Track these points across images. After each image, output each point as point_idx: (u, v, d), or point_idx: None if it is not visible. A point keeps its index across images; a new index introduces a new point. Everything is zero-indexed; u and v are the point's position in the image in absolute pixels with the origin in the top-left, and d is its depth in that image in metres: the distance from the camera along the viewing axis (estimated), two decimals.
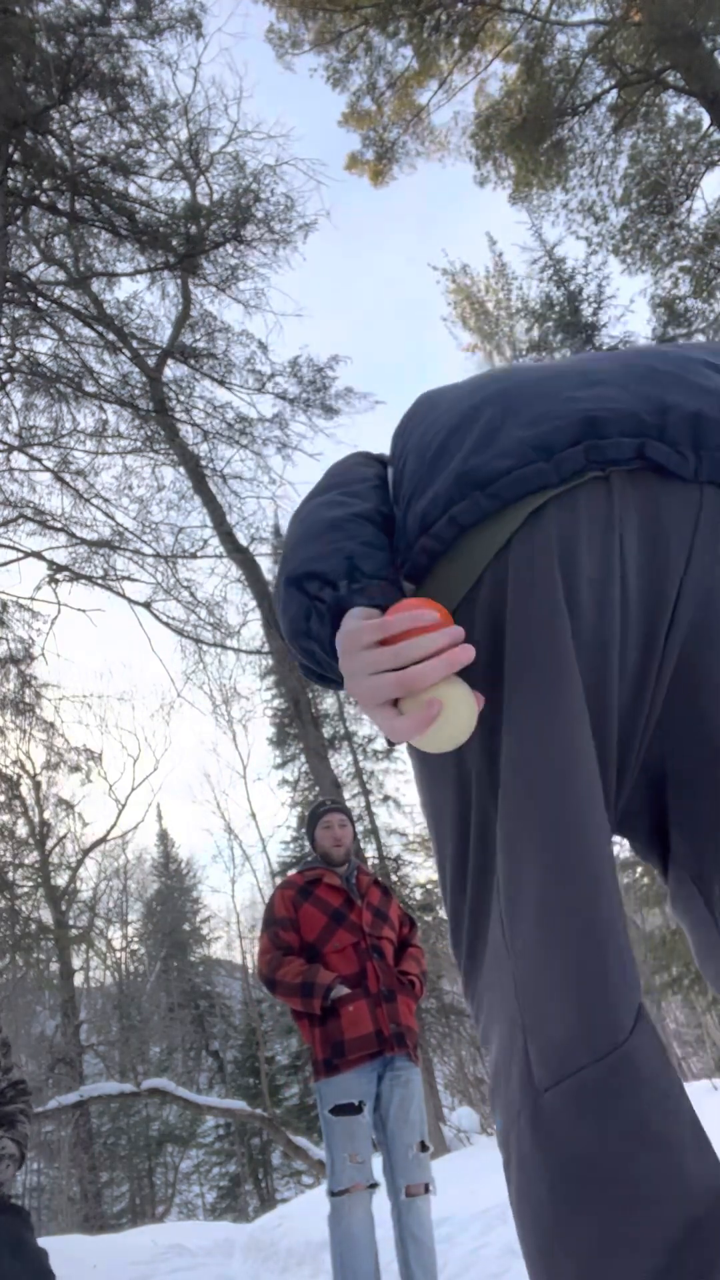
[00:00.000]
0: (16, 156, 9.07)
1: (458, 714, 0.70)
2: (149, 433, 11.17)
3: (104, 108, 9.71)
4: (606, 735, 0.76)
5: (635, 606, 0.77)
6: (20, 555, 10.25)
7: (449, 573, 0.82)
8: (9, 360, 9.85)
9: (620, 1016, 0.64)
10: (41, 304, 9.90)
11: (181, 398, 11.28)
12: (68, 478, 10.63)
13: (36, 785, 17.91)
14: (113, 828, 21.03)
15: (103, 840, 20.72)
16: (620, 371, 0.86)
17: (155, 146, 10.14)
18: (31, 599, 10.72)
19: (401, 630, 0.71)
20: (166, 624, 11.55)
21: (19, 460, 10.39)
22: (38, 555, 10.37)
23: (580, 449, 0.79)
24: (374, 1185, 2.75)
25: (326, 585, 0.81)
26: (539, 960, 0.67)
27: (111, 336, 10.71)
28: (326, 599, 0.80)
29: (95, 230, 10.17)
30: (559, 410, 0.81)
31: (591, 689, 0.74)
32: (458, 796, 0.79)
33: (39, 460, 10.47)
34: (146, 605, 11.21)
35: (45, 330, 10.23)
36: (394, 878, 18.01)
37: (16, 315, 9.79)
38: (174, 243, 10.37)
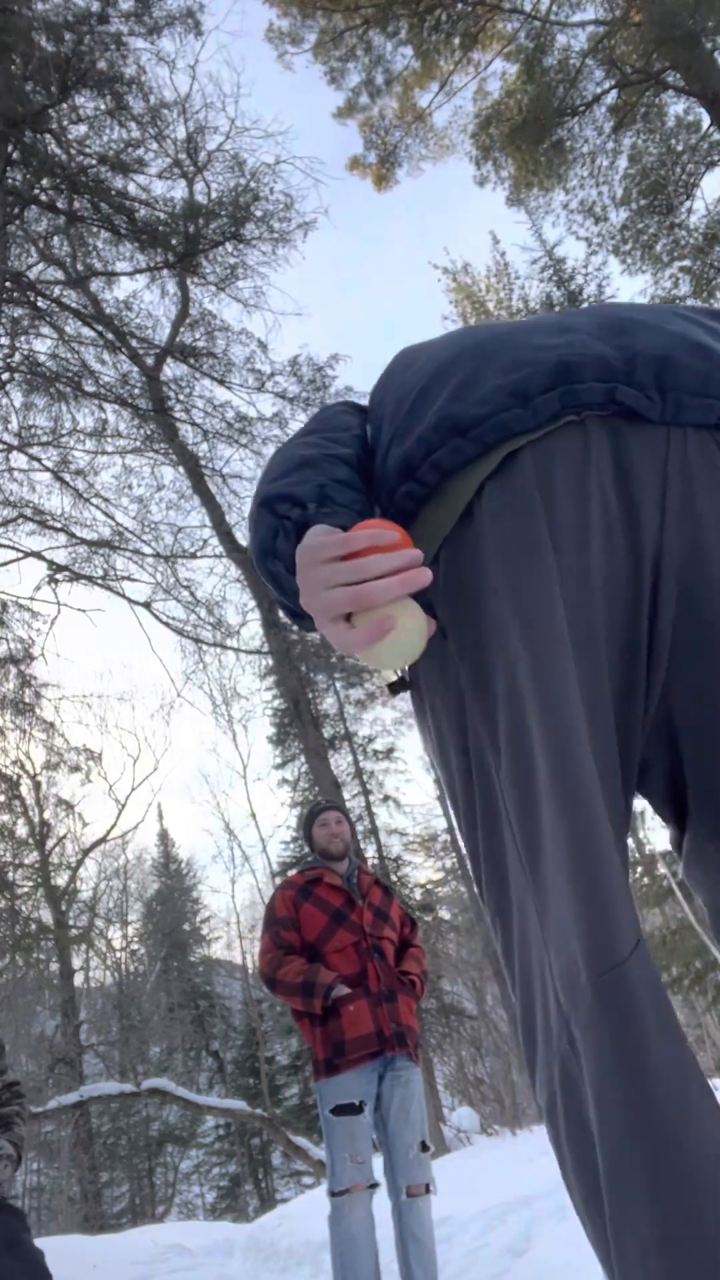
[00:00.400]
0: (15, 155, 9.07)
1: (408, 632, 0.71)
2: (148, 432, 11.16)
3: (103, 106, 9.70)
4: (597, 674, 0.75)
5: (618, 548, 0.78)
6: (20, 555, 10.26)
7: (434, 516, 0.83)
8: (8, 360, 9.85)
9: (616, 941, 0.65)
10: (41, 303, 9.89)
11: (181, 397, 11.28)
12: (67, 477, 10.63)
13: (36, 785, 17.91)
14: (113, 828, 21.03)
15: (103, 840, 20.71)
16: (591, 320, 0.87)
17: (154, 145, 10.13)
18: (31, 599, 10.73)
19: (360, 548, 0.71)
20: (166, 624, 11.56)
21: (19, 460, 10.39)
22: (37, 555, 10.36)
23: (555, 394, 0.80)
24: (374, 1185, 2.75)
25: (296, 506, 0.83)
26: (553, 889, 0.68)
27: (110, 336, 10.70)
28: (294, 517, 0.82)
29: (94, 229, 10.16)
30: (533, 357, 0.83)
31: (579, 625, 0.74)
32: (456, 726, 0.80)
33: (39, 460, 10.47)
34: (146, 605, 11.21)
35: (44, 330, 10.22)
36: (394, 878, 18.00)
37: (16, 315, 9.78)
38: (173, 241, 10.35)
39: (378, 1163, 2.85)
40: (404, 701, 20.22)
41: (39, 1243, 2.64)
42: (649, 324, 0.85)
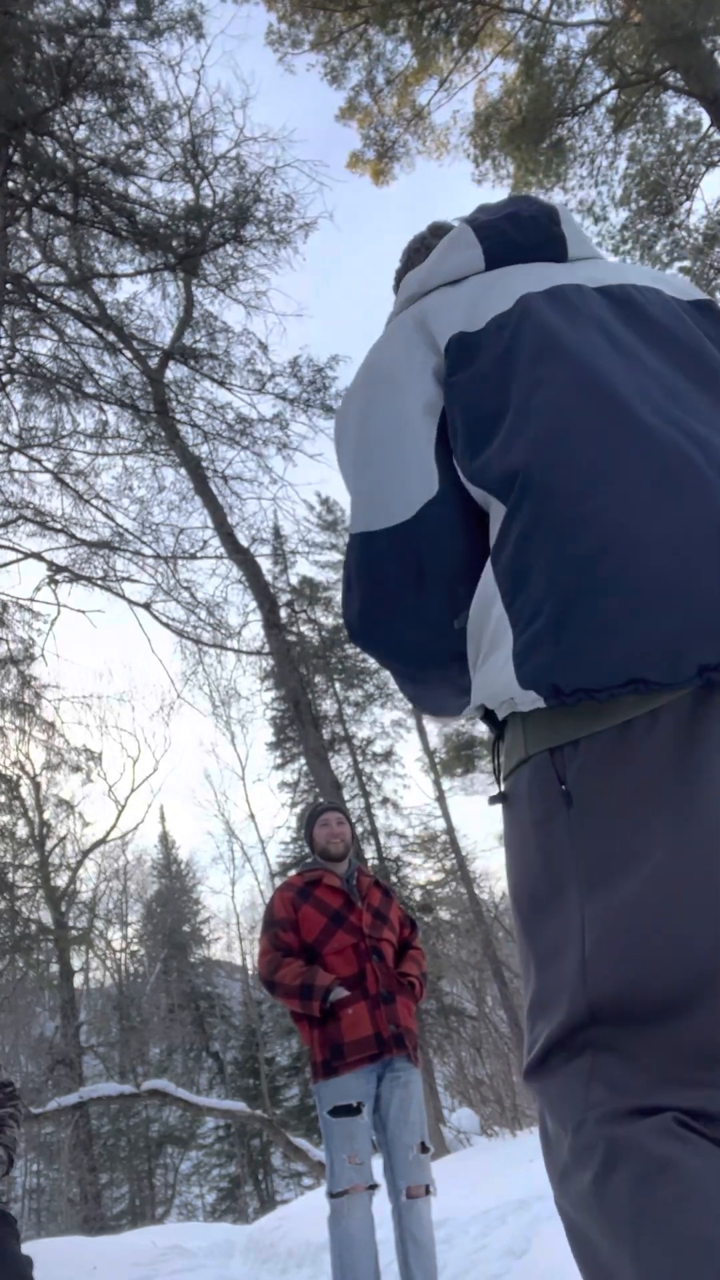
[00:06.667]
0: (17, 158, 9.07)
1: None
2: (149, 434, 11.16)
3: (104, 109, 9.70)
4: None
5: None
6: (20, 556, 10.26)
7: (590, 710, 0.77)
8: (9, 361, 9.85)
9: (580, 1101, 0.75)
10: (42, 305, 9.89)
11: (182, 399, 11.27)
12: (68, 479, 10.63)
13: (36, 786, 17.95)
14: (112, 829, 21.04)
15: (102, 841, 20.72)
16: None
17: (155, 148, 10.13)
18: (31, 600, 10.74)
19: None
20: (166, 625, 11.55)
21: (19, 461, 10.39)
22: (38, 556, 10.37)
23: None
24: (374, 1187, 2.75)
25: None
26: None
27: (112, 337, 10.70)
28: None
29: (96, 231, 10.16)
30: None
31: None
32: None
33: (39, 461, 10.47)
34: (146, 606, 11.20)
35: (45, 331, 10.23)
36: (393, 878, 18.01)
37: (16, 316, 9.78)
38: (174, 243, 10.35)
39: (377, 1164, 2.85)
40: (402, 703, 20.23)
41: (38, 1244, 2.64)
42: None
